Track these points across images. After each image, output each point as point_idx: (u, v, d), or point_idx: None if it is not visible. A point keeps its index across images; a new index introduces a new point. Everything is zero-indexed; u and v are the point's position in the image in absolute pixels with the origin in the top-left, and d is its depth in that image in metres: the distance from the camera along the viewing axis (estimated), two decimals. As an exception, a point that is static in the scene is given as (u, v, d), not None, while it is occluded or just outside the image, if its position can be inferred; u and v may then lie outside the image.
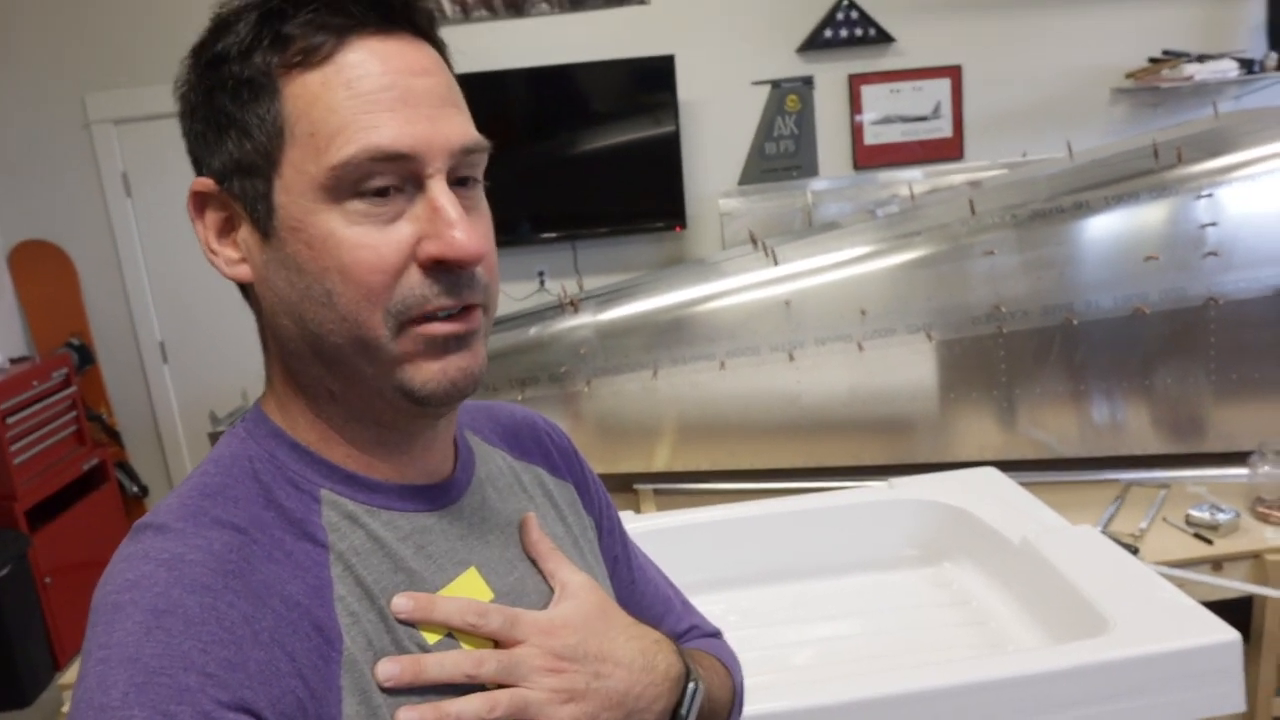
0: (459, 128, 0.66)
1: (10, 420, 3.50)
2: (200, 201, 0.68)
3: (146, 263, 4.14)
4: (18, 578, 3.37)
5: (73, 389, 3.87)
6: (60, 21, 3.93)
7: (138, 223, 4.11)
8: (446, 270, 0.64)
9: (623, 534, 0.95)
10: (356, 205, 0.63)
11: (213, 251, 0.68)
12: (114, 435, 4.23)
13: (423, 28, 0.68)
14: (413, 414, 0.69)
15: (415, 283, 0.64)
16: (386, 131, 0.62)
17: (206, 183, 0.67)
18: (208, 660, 0.56)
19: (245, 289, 0.70)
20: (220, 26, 0.65)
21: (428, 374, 0.66)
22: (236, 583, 0.60)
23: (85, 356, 4.09)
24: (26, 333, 4.15)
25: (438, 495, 0.73)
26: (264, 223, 0.65)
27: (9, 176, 4.04)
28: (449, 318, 0.65)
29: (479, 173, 0.69)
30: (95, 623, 0.59)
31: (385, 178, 0.63)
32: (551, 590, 0.76)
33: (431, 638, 0.66)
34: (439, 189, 0.64)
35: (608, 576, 0.88)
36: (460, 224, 0.63)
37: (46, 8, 3.92)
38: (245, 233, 0.67)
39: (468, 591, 0.70)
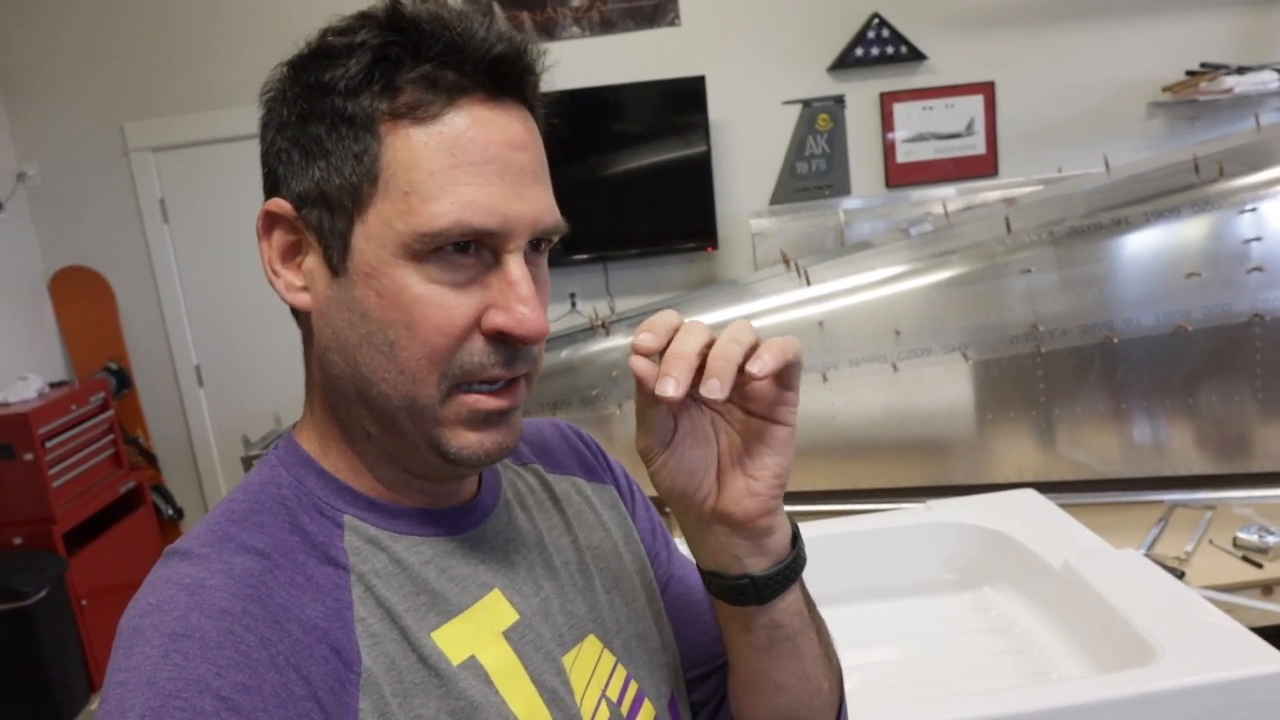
0: (545, 208, 0.67)
1: (49, 444, 3.54)
2: (270, 221, 0.68)
3: (183, 288, 4.19)
4: (55, 600, 3.40)
5: (110, 413, 3.90)
6: (100, 50, 4.00)
7: (175, 249, 4.16)
8: (506, 342, 0.66)
9: (664, 531, 0.93)
10: (435, 267, 0.64)
11: (274, 273, 0.68)
12: (150, 458, 4.27)
13: (527, 97, 0.68)
14: (443, 471, 0.70)
15: (477, 349, 0.65)
16: (480, 207, 0.63)
17: (284, 205, 0.67)
18: (223, 684, 0.56)
19: (297, 313, 0.71)
20: (329, 53, 0.65)
21: (464, 442, 0.67)
22: (255, 607, 0.60)
23: (123, 381, 4.13)
24: (66, 357, 4.20)
25: (460, 519, 0.73)
26: (336, 260, 0.65)
27: (50, 203, 4.10)
28: (494, 392, 0.67)
29: (548, 244, 0.70)
30: (117, 647, 0.60)
31: (468, 247, 0.64)
32: (582, 613, 0.77)
33: (456, 658, 0.66)
34: (515, 264, 0.65)
35: (654, 578, 0.87)
36: (530, 302, 0.65)
37: (87, 37, 3.99)
38: (313, 263, 0.67)
39: (491, 614, 0.70)
